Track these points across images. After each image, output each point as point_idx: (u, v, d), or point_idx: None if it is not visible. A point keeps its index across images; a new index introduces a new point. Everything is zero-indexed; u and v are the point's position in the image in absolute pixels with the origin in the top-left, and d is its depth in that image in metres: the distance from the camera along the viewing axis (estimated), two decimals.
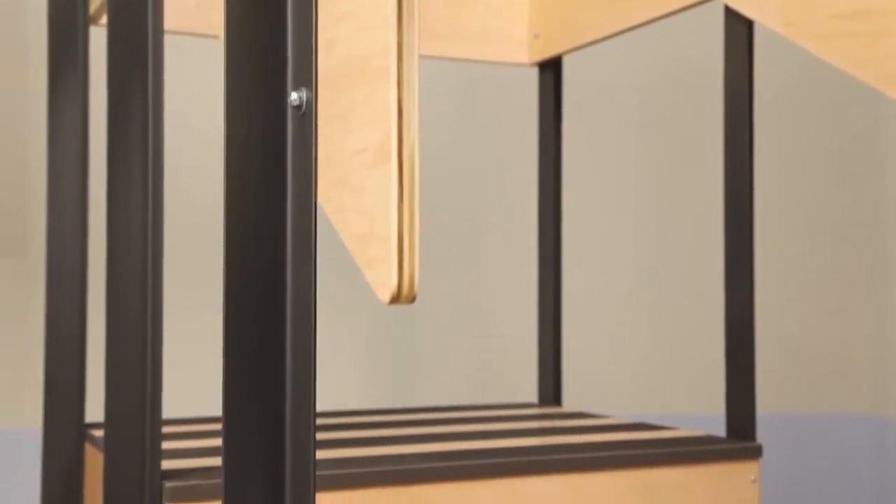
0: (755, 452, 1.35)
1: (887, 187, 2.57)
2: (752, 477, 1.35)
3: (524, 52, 1.80)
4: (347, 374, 2.19)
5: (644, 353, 2.42)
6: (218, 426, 1.52)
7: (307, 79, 0.75)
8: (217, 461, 1.21)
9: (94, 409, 2.01)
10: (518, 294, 2.32)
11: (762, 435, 2.52)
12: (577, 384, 2.37)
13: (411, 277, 0.66)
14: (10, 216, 1.97)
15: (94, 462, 1.37)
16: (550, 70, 1.79)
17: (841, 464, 2.58)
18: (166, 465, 1.18)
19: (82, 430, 1.43)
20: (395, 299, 0.65)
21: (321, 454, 1.25)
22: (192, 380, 2.08)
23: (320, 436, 1.41)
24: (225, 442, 0.88)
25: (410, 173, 0.67)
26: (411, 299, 0.65)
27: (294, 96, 0.77)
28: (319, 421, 1.58)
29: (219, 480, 1.11)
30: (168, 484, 1.09)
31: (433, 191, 2.26)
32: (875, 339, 2.60)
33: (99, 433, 1.37)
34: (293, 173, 0.76)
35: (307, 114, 0.76)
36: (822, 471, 2.57)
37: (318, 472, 1.16)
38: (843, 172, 2.60)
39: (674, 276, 2.45)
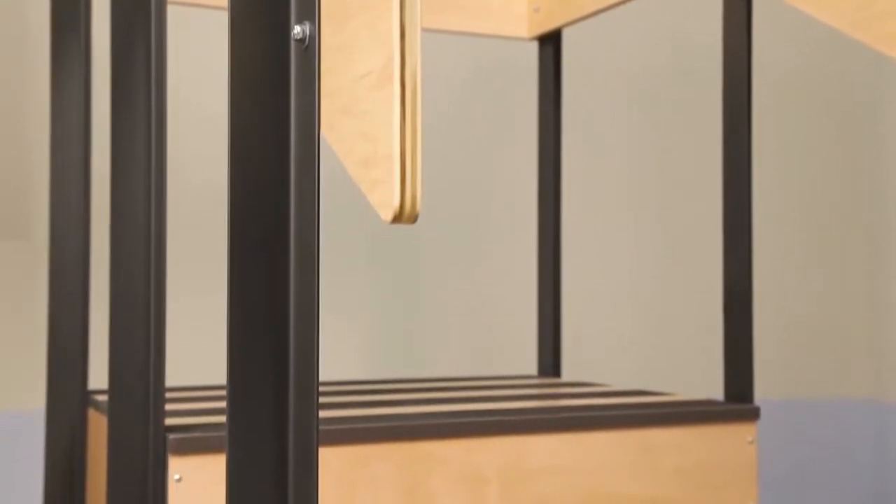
0: (753, 414, 1.36)
1: (886, 173, 2.58)
2: (750, 438, 1.36)
3: (524, 26, 1.81)
4: (346, 350, 2.20)
5: (643, 335, 2.43)
6: (219, 392, 1.52)
7: (310, 12, 0.76)
8: (220, 419, 1.22)
9: (94, 379, 2.01)
10: (518, 273, 2.32)
11: (762, 420, 2.52)
12: (576, 367, 2.38)
13: (413, 197, 0.66)
14: (13, 198, 1.98)
15: (98, 426, 1.38)
16: (550, 44, 1.80)
17: (841, 448, 2.59)
18: (169, 422, 1.19)
19: (85, 395, 1.44)
20: (398, 218, 0.66)
21: (325, 414, 1.26)
22: (192, 351, 2.08)
23: (323, 400, 1.42)
24: (229, 393, 0.89)
25: (413, 95, 0.68)
26: (413, 219, 0.66)
27: (297, 30, 0.78)
28: (321, 389, 1.59)
29: (223, 433, 1.12)
30: (172, 436, 1.10)
31: (433, 169, 2.27)
32: (875, 325, 2.61)
33: (102, 398, 1.38)
34: (297, 106, 0.77)
35: (310, 47, 0.77)
36: (822, 455, 2.57)
37: (322, 428, 1.17)
38: (842, 157, 2.61)
39: (674, 259, 2.46)
